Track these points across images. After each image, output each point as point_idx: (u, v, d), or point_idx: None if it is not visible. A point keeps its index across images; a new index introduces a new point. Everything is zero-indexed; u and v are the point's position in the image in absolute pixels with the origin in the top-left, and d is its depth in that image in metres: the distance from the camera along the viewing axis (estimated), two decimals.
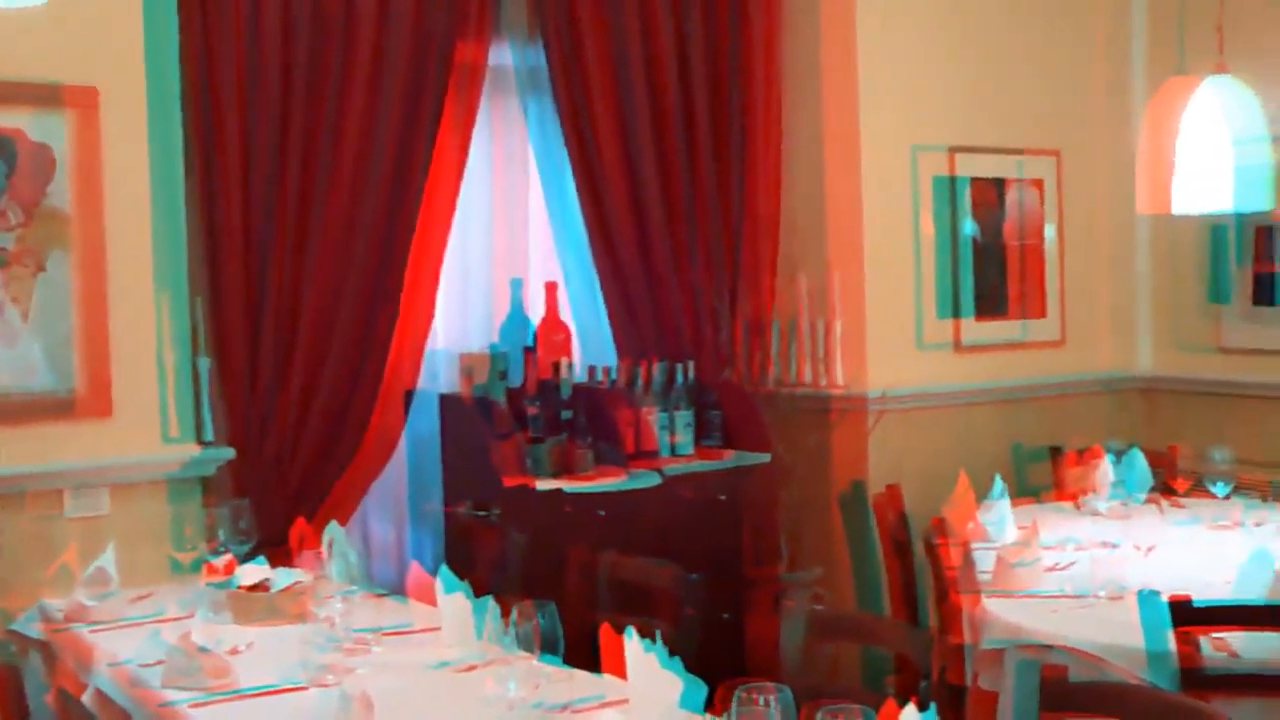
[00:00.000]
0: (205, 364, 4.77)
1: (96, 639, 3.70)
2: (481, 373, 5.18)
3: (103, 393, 4.54)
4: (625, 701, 2.98)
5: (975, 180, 6.15)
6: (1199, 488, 4.88)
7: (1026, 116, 6.31)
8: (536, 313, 5.51)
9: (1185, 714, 2.89)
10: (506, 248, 5.64)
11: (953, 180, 6.09)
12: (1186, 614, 3.43)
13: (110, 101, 4.55)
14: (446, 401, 5.24)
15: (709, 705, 2.83)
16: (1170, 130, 4.66)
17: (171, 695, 3.17)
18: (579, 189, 5.56)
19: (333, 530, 4.06)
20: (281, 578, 3.86)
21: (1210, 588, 3.80)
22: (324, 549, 4.02)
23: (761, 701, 2.43)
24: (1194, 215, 5.91)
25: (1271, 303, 6.07)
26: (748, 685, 2.46)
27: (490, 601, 3.32)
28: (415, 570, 3.96)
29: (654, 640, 2.95)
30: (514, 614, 3.03)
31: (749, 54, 5.81)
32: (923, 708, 2.42)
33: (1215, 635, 3.52)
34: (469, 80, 5.28)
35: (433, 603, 3.66)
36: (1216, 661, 3.47)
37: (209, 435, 4.76)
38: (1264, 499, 4.87)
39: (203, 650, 3.27)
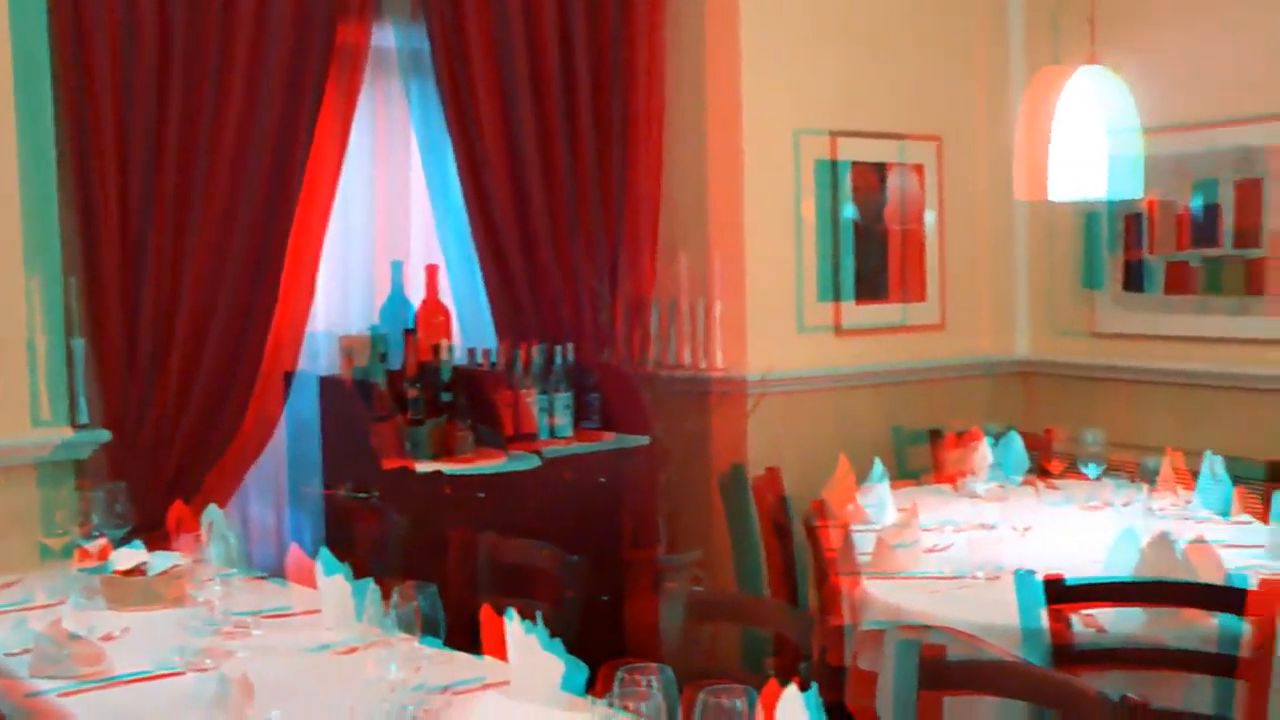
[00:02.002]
0: (79, 345, 4.69)
1: None
2: (361, 355, 5.15)
3: None
4: (506, 683, 2.98)
5: (856, 164, 6.20)
6: (1072, 469, 4.98)
7: (908, 102, 6.38)
8: (417, 295, 5.48)
9: (1056, 688, 2.95)
10: (387, 229, 5.61)
11: (834, 164, 6.14)
12: (1059, 592, 3.51)
13: None
14: (326, 383, 5.20)
15: (590, 687, 2.84)
16: (1046, 119, 4.75)
17: (40, 685, 3.09)
18: (460, 171, 5.53)
19: (212, 513, 3.99)
20: (159, 561, 3.80)
21: (1082, 567, 3.87)
22: (203, 532, 3.96)
23: (644, 682, 2.43)
24: (1069, 202, 6.02)
25: (1140, 289, 6.19)
26: (630, 666, 2.46)
27: (371, 584, 3.30)
28: (295, 553, 3.92)
29: (535, 622, 2.95)
30: (395, 596, 3.01)
31: (632, 36, 5.80)
32: (804, 688, 2.43)
33: (1085, 612, 3.60)
34: (351, 61, 5.23)
35: (313, 585, 3.63)
36: (1086, 637, 3.56)
37: (83, 418, 4.69)
38: (1132, 480, 4.96)
39: (73, 637, 3.20)
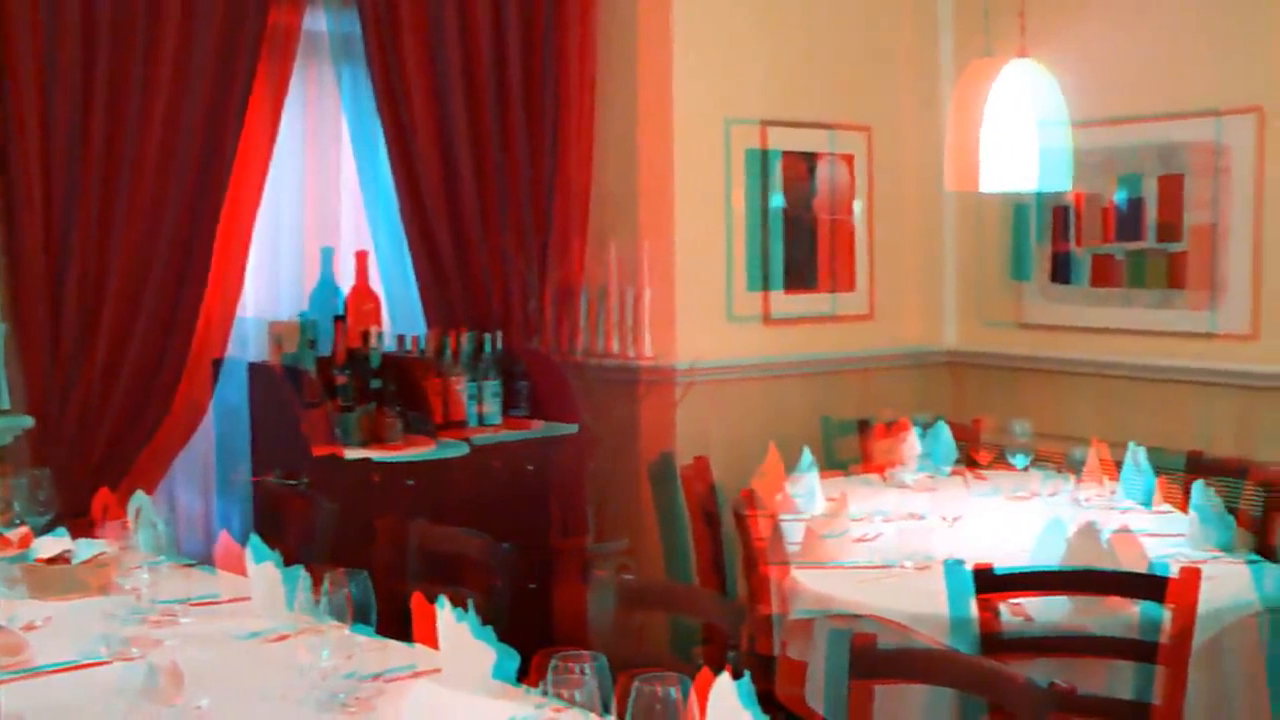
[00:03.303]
0: (1, 329, 4.62)
1: None
2: (291, 341, 5.12)
3: None
4: (438, 671, 2.97)
5: (787, 154, 6.22)
6: (1000, 460, 5.02)
7: (838, 92, 6.39)
8: (347, 281, 5.46)
9: (986, 676, 2.98)
10: (317, 216, 5.59)
11: (764, 153, 6.15)
12: (988, 582, 3.55)
13: None
14: (255, 370, 5.18)
15: (522, 674, 2.84)
16: (977, 110, 4.78)
17: None
18: (391, 157, 5.51)
19: (139, 499, 3.95)
20: (83, 549, 3.74)
21: (1010, 556, 3.91)
22: (129, 519, 3.91)
23: (577, 670, 2.43)
24: (998, 194, 6.07)
25: (1067, 280, 6.25)
26: (564, 654, 2.46)
27: (301, 571, 3.28)
28: (224, 540, 3.88)
29: (466, 610, 2.94)
30: (326, 583, 2.99)
31: (564, 23, 5.79)
32: (736, 677, 2.44)
33: (1013, 601, 3.64)
34: (282, 45, 5.21)
35: (242, 572, 3.59)
36: (1013, 626, 3.60)
37: (5, 403, 4.63)
38: (1059, 470, 5.02)
39: None
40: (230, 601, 3.57)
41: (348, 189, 5.67)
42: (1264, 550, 4.51)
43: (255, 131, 5.15)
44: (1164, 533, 4.36)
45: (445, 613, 2.96)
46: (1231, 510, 4.45)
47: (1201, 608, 3.52)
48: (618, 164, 6.05)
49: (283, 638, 3.23)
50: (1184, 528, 4.35)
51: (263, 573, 3.46)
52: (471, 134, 5.59)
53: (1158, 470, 4.87)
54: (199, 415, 5.16)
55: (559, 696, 2.43)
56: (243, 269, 5.21)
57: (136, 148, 4.84)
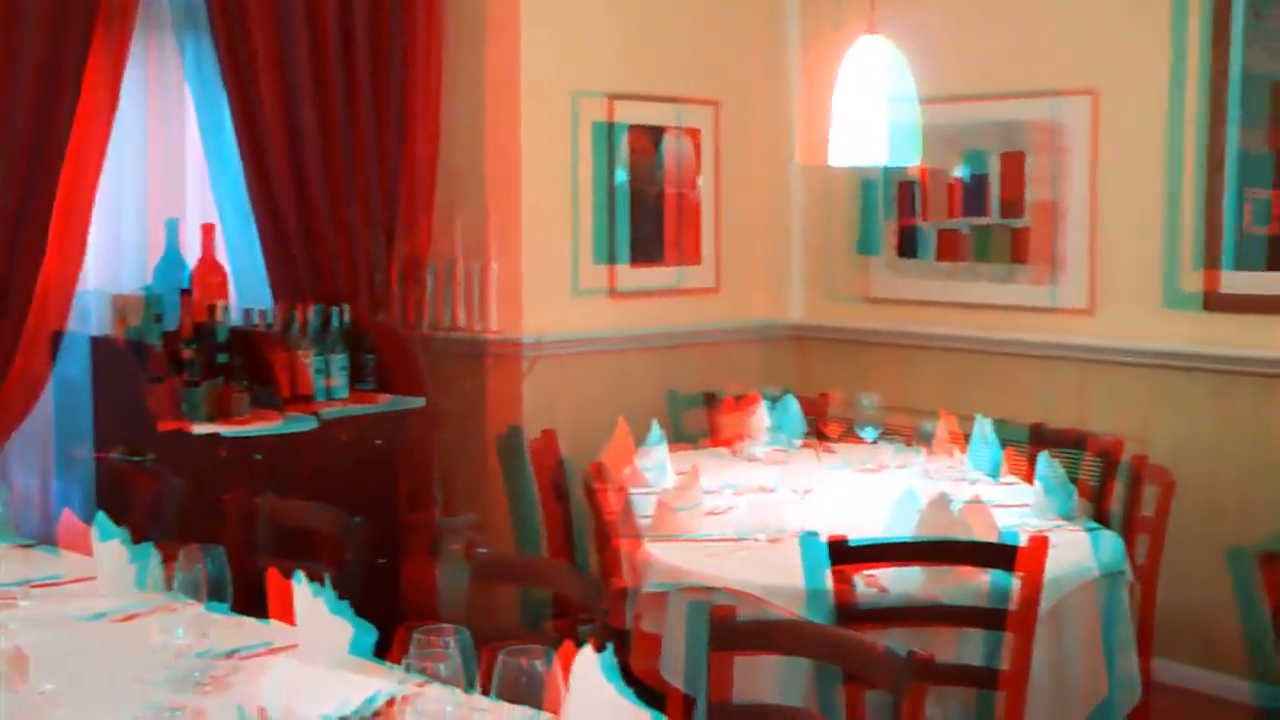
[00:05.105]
0: None
1: None
2: (135, 315, 5.02)
3: None
4: (294, 647, 2.93)
5: (634, 127, 6.21)
6: (850, 433, 5.07)
7: (686, 66, 6.40)
8: (192, 254, 5.36)
9: (847, 646, 3.01)
10: (162, 187, 5.46)
11: (611, 127, 6.14)
12: (843, 553, 3.58)
13: None
14: (98, 344, 5.06)
15: (380, 649, 2.81)
16: (827, 86, 4.80)
17: None
18: (236, 129, 5.41)
19: None
20: None
21: (861, 528, 3.95)
22: None
23: (440, 643, 2.41)
24: (846, 169, 6.12)
25: (914, 255, 6.33)
26: (427, 628, 2.44)
27: (152, 548, 3.21)
28: (67, 518, 3.79)
29: (322, 585, 2.91)
30: (180, 560, 2.93)
31: None
32: (598, 650, 2.44)
33: (867, 573, 3.68)
34: (120, 12, 5.05)
35: (87, 552, 3.50)
36: (868, 597, 3.63)
37: None
38: (908, 443, 5.09)
39: None
40: (74, 582, 3.48)
41: (193, 160, 5.55)
42: (1100, 517, 4.64)
43: (93, 102, 5.00)
44: (1011, 503, 4.45)
45: (302, 588, 2.92)
46: (1072, 480, 4.55)
47: (1045, 575, 3.60)
48: (465, 137, 6.00)
49: (131, 617, 3.16)
50: (1029, 498, 4.44)
51: (109, 551, 3.38)
52: (318, 105, 5.51)
53: (1003, 442, 4.97)
54: (37, 391, 5.02)
55: (422, 671, 2.42)
56: (84, 241, 5.07)
57: None
